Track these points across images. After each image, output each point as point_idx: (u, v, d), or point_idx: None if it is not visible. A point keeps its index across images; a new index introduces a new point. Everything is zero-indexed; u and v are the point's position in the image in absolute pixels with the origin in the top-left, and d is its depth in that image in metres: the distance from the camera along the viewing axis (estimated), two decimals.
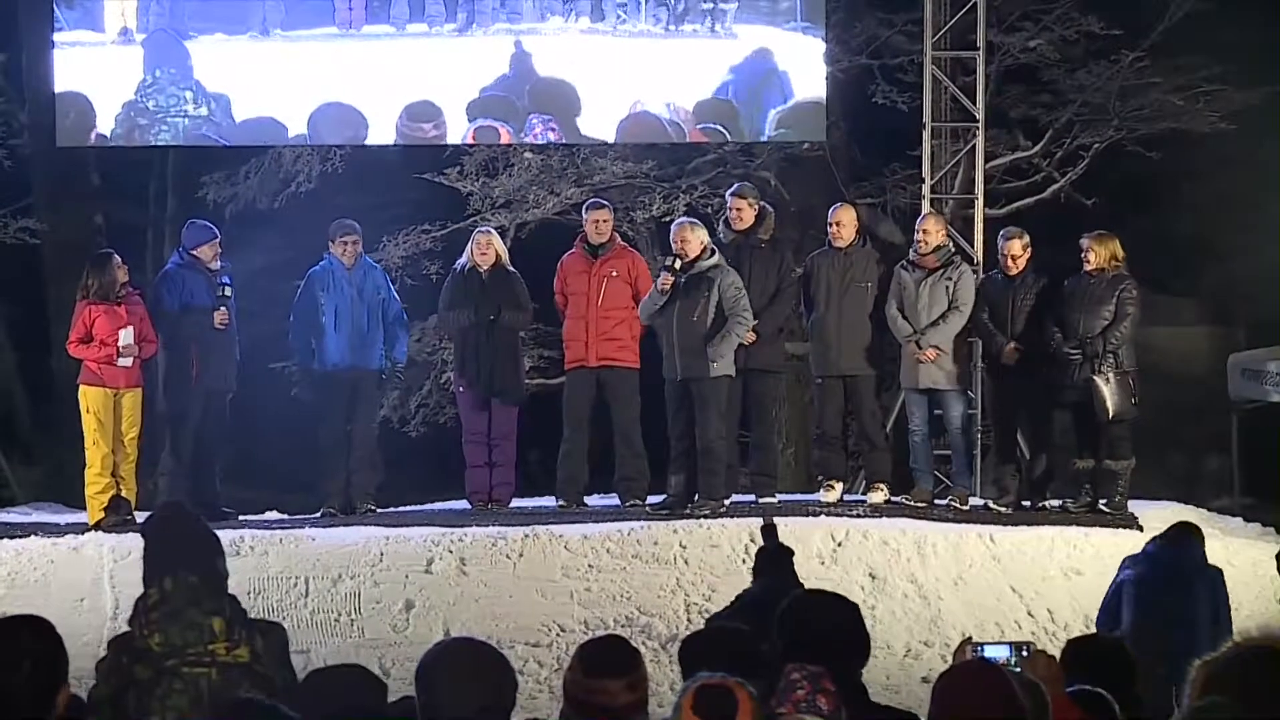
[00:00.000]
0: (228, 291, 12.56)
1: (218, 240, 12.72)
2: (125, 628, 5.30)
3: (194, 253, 12.61)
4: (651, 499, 12.67)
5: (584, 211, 13.25)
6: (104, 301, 12.23)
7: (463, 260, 13.05)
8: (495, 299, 12.83)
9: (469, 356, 12.92)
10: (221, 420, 12.74)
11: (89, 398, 12.24)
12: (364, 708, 4.83)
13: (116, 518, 12.09)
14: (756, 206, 12.90)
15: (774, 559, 8.59)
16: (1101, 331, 12.20)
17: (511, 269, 13.10)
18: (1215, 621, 9.21)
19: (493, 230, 13.62)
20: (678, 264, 12.21)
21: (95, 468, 12.24)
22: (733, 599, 8.85)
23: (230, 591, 5.34)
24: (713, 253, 12.31)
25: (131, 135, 14.14)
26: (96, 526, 12.10)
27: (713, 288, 12.17)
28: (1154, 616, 9.12)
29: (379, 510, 12.91)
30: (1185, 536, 9.51)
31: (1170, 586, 9.24)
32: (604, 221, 12.89)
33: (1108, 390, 12.11)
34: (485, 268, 12.90)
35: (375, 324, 12.90)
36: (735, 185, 13.40)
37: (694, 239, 12.29)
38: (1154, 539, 9.71)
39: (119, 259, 12.50)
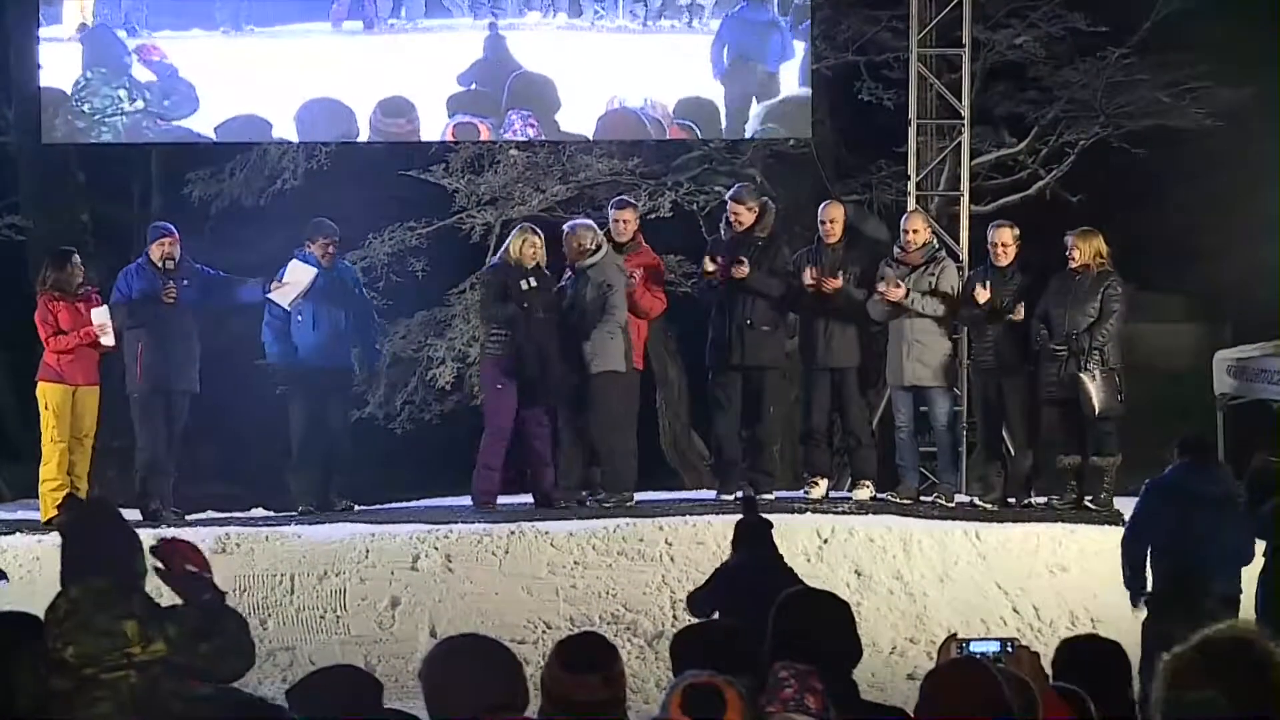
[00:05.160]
0: (170, 266, 12.42)
1: (166, 239, 12.60)
2: None
3: (148, 252, 12.59)
4: (640, 496, 12.70)
5: (609, 210, 13.19)
6: (63, 296, 12.21)
7: (508, 257, 12.56)
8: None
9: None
10: (180, 420, 12.61)
11: (47, 394, 12.21)
12: (361, 709, 4.81)
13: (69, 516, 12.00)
14: (756, 209, 12.87)
15: (753, 531, 8.62)
16: (1087, 328, 12.20)
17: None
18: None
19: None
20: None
21: (51, 463, 12.19)
22: (710, 573, 8.88)
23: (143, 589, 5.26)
24: (596, 249, 12.31)
25: (73, 137, 14.12)
26: (48, 523, 12.02)
27: (589, 285, 12.27)
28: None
29: (364, 507, 12.88)
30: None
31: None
32: (628, 221, 12.84)
33: (1094, 387, 12.11)
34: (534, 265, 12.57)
35: (349, 323, 12.85)
36: (734, 189, 13.33)
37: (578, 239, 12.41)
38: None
39: (79, 259, 12.45)
